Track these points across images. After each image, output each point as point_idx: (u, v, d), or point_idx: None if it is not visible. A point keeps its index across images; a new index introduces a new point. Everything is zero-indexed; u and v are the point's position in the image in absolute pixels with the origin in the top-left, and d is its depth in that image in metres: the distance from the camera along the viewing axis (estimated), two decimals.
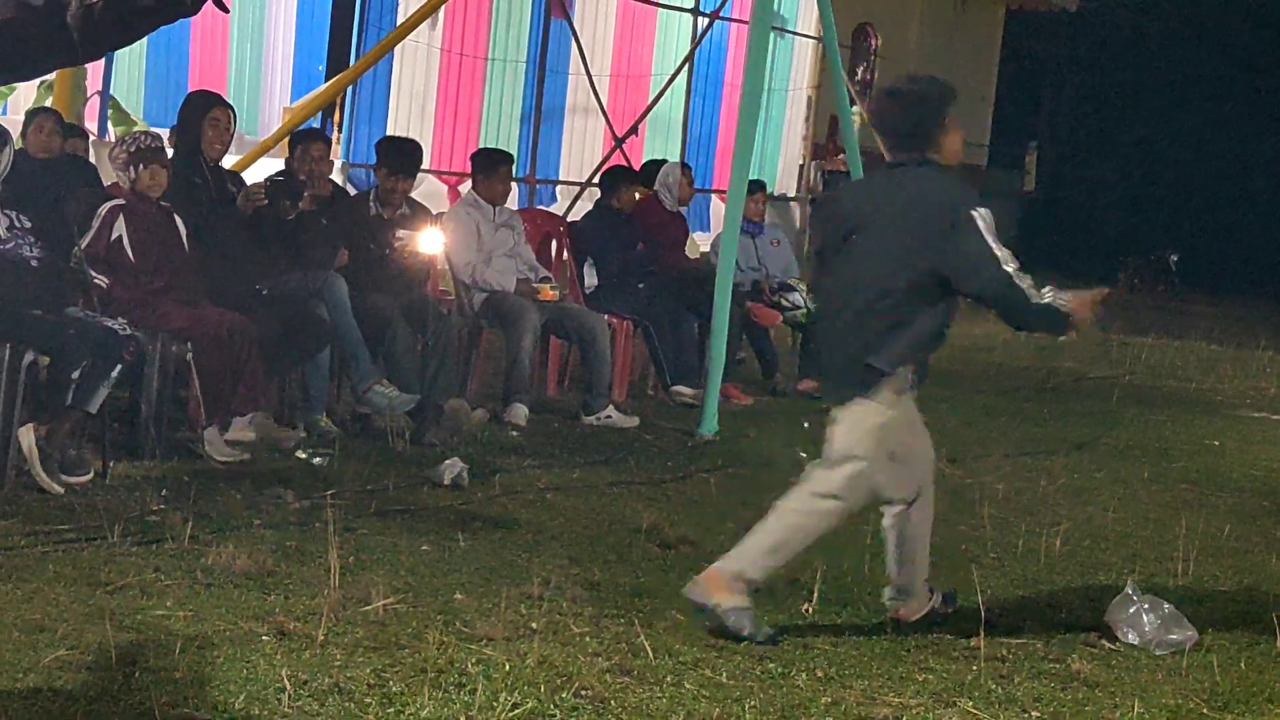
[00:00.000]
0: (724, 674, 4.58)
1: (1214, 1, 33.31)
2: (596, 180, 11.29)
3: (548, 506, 6.60)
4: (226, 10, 2.87)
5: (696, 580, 5.03)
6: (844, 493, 5.05)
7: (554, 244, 9.85)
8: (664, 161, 10.94)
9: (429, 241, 8.24)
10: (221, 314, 6.93)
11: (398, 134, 11.61)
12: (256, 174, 8.31)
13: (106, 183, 8.01)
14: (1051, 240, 28.52)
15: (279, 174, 7.85)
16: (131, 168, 6.82)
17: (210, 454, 6.75)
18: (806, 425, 9.00)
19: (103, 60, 13.98)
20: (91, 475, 6.21)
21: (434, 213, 8.65)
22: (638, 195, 10.25)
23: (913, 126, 5.11)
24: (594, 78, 14.61)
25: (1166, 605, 5.39)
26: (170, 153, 7.19)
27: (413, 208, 8.29)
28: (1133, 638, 5.28)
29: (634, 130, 14.74)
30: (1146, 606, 5.35)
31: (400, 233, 8.09)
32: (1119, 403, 11.51)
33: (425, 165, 10.17)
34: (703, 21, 16.08)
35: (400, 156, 8.24)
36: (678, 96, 16.32)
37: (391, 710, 4.05)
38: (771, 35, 13.35)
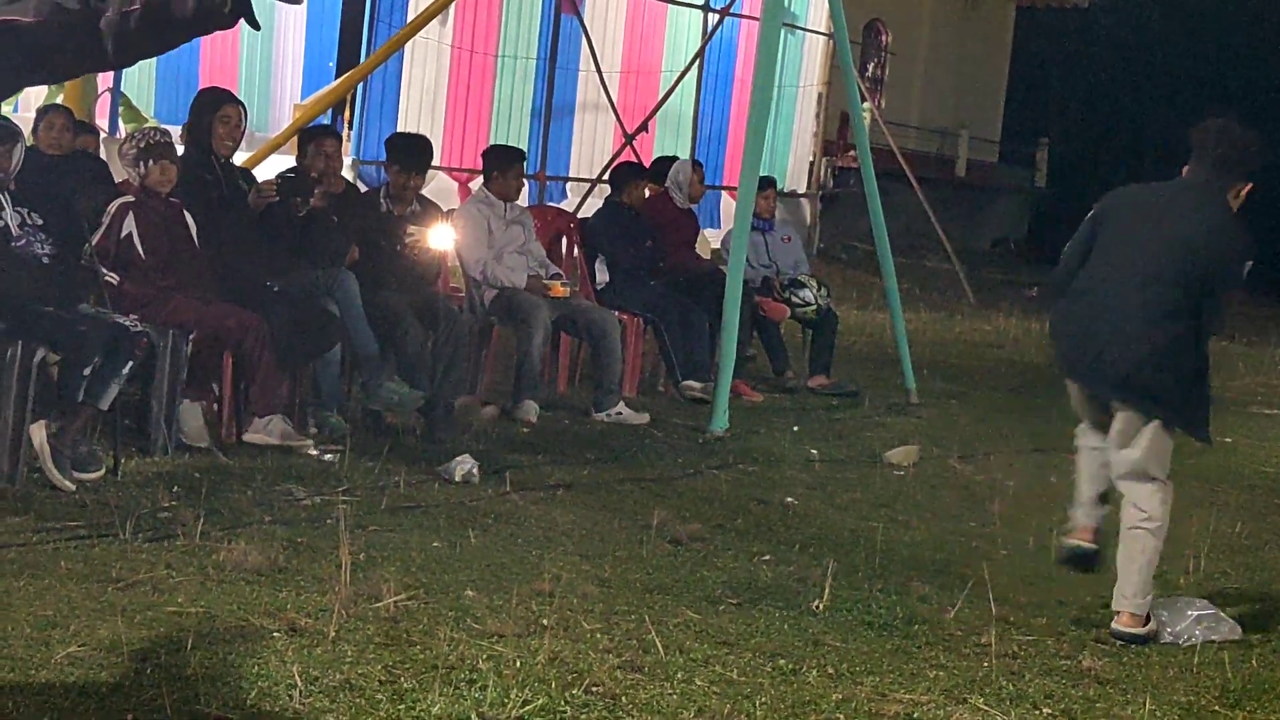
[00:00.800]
0: (735, 670, 4.58)
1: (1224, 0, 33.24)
2: (606, 177, 11.27)
3: (558, 503, 6.60)
4: (257, 27, 2.87)
5: (1117, 621, 5.35)
6: (1161, 516, 5.46)
7: (564, 241, 9.85)
8: (674, 158, 10.93)
9: (440, 238, 8.25)
10: (231, 310, 6.94)
11: (408, 130, 11.62)
12: (267, 171, 8.32)
13: (117, 180, 8.03)
14: (1063, 236, 28.51)
15: (290, 171, 7.86)
16: (141, 164, 6.83)
17: (180, 430, 6.76)
18: (796, 429, 9.02)
19: None
20: (103, 471, 6.22)
21: (444, 209, 8.66)
22: (648, 192, 10.26)
23: (1236, 163, 5.56)
24: (604, 74, 14.63)
25: (1199, 600, 5.44)
26: (181, 149, 7.20)
27: (423, 204, 8.30)
28: (1166, 636, 5.36)
29: (644, 127, 14.76)
30: (1179, 603, 5.42)
31: (411, 229, 8.09)
32: None
33: (436, 162, 10.17)
34: (713, 18, 16.08)
35: (412, 153, 8.24)
36: (688, 93, 16.32)
37: (402, 707, 4.05)
38: (782, 31, 13.35)
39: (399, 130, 12.47)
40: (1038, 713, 4.52)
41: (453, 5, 12.88)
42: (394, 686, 4.18)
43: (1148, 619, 5.35)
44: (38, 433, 6.04)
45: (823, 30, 18.46)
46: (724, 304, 8.76)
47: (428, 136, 8.85)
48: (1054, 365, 5.79)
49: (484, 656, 4.46)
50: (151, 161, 6.82)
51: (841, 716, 4.31)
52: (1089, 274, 5.57)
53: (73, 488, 5.98)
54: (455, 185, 13.82)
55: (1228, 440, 10.14)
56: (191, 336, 6.75)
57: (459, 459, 6.88)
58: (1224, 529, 7.19)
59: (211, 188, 7.27)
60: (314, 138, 8.00)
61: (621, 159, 12.56)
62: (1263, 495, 8.31)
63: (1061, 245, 5.89)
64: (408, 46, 12.64)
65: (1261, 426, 10.98)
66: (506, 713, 4.05)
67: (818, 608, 5.32)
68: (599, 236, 9.78)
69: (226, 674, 4.16)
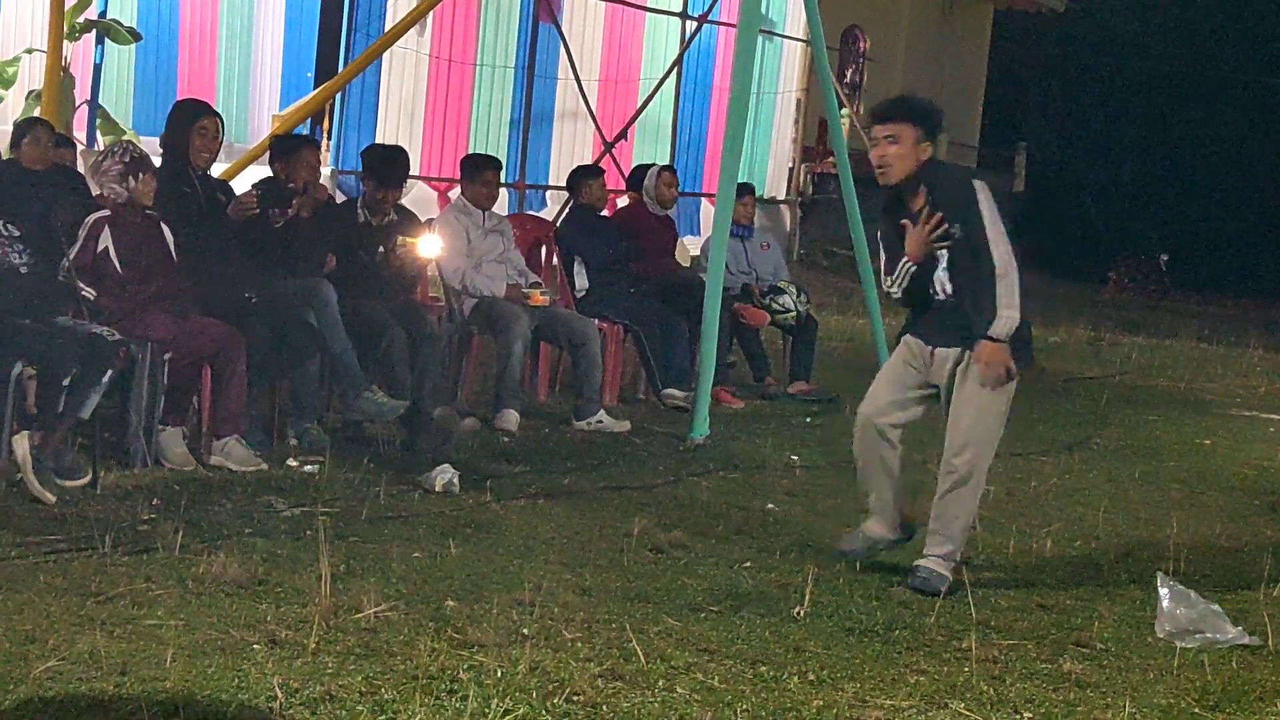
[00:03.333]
0: (716, 678, 4.58)
1: (1201, 5, 33.38)
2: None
3: (539, 512, 6.60)
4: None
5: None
6: None
7: (543, 249, 9.85)
8: (652, 165, 10.93)
9: (428, 246, 8.25)
10: (209, 324, 6.93)
11: (387, 141, 11.59)
12: (245, 182, 8.30)
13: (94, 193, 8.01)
14: (1042, 241, 28.62)
15: (262, 181, 7.84)
16: (130, 178, 6.80)
17: (161, 456, 6.75)
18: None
19: (91, 69, 13.99)
20: (89, 478, 6.23)
21: (423, 219, 8.65)
22: (627, 199, 10.23)
23: None
24: (583, 82, 14.63)
25: (1196, 596, 5.47)
26: (158, 162, 7.19)
27: (401, 214, 8.29)
28: (1158, 629, 5.40)
29: (623, 134, 14.76)
30: (1169, 598, 5.45)
31: (401, 239, 8.08)
32: (1109, 403, 11.53)
33: (414, 171, 10.15)
34: (691, 25, 16.09)
35: (387, 167, 8.21)
36: (667, 100, 16.34)
37: (383, 718, 4.05)
38: (760, 38, 13.39)
39: (377, 140, 12.47)
40: (1018, 717, 4.53)
41: (431, 14, 12.88)
42: (375, 698, 4.17)
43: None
44: (20, 444, 6.03)
45: (800, 36, 18.49)
46: (703, 311, 8.76)
47: (404, 147, 8.82)
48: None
49: (465, 666, 4.46)
50: (143, 174, 6.82)
51: None
52: None
53: (54, 500, 5.97)
54: (434, 194, 13.81)
55: (1207, 442, 10.18)
56: (167, 356, 6.74)
57: (439, 469, 6.88)
58: (1203, 531, 7.22)
59: (189, 200, 7.26)
60: (293, 149, 7.98)
61: (605, 168, 12.53)
62: (1242, 497, 8.33)
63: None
64: (386, 56, 12.63)
65: (1240, 428, 11.01)
66: None
67: (799, 614, 5.32)
68: (570, 240, 9.79)
69: (206, 687, 4.16)
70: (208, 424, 7.02)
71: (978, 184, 5.68)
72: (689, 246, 14.95)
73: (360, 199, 8.31)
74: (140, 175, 6.81)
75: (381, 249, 8.10)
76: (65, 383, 6.13)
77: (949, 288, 5.77)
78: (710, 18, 15.75)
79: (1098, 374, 13.43)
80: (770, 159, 19.32)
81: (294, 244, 7.57)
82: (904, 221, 5.76)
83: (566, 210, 10.36)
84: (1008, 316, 5.61)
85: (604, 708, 4.25)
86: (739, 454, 8.33)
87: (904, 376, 5.94)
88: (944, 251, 5.73)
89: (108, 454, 6.60)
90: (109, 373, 6.25)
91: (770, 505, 7.11)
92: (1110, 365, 14.14)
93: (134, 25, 13.98)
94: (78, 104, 13.64)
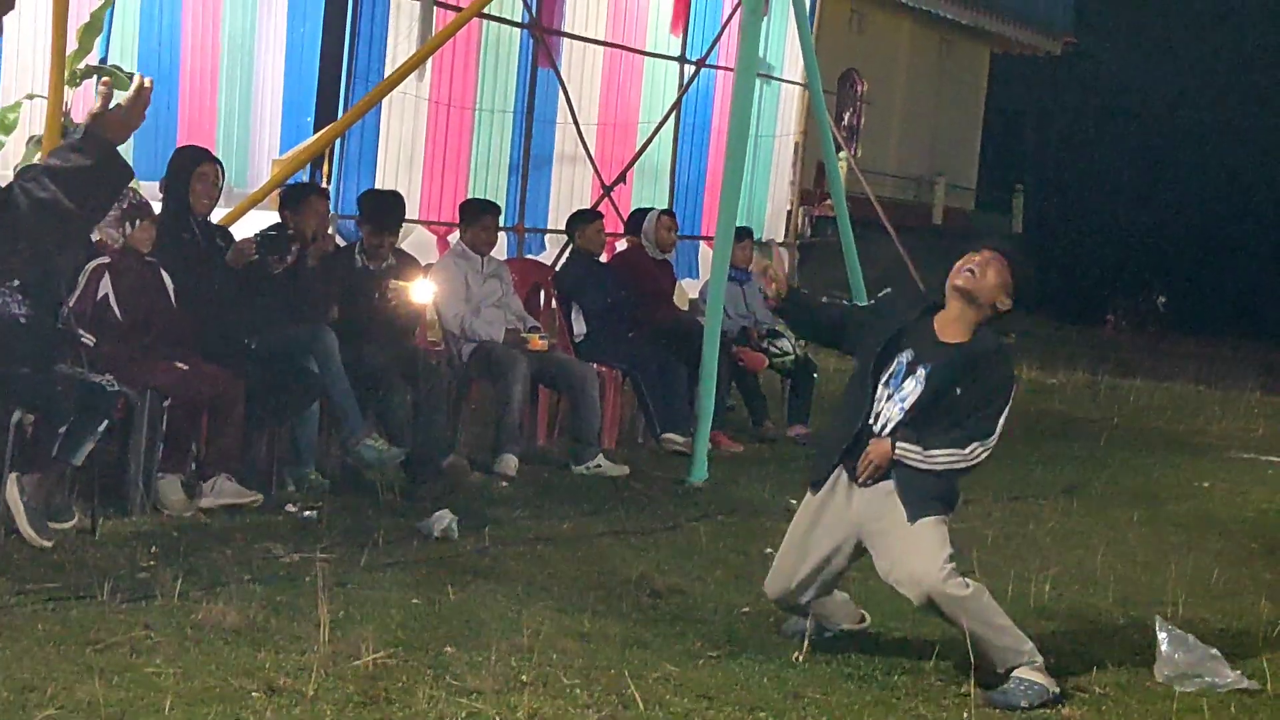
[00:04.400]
0: None
1: (1197, 46, 33.52)
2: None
3: (538, 557, 6.60)
4: None
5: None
6: None
7: (542, 293, 9.88)
8: (650, 210, 10.98)
9: (421, 291, 8.27)
10: (208, 371, 6.94)
11: (386, 185, 11.62)
12: (246, 227, 8.32)
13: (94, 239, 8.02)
14: (1039, 283, 28.69)
15: (271, 228, 7.87)
16: (127, 224, 6.83)
17: (160, 503, 6.76)
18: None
19: None
20: (76, 520, 6.25)
21: (422, 263, 8.67)
22: (626, 242, 10.25)
23: None
24: (581, 126, 14.67)
25: (1194, 641, 5.47)
26: (158, 208, 7.21)
27: (400, 259, 8.31)
28: (1157, 673, 5.41)
29: (622, 178, 14.80)
30: (1167, 642, 5.45)
31: (393, 283, 8.11)
32: (1108, 445, 11.53)
33: (414, 216, 10.16)
34: (689, 69, 16.15)
35: (383, 212, 8.26)
36: (665, 144, 16.37)
37: None
38: (758, 82, 13.43)
39: (377, 185, 12.49)
40: None
41: (430, 60, 12.92)
42: None
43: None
44: (11, 489, 6.03)
45: (798, 80, 18.54)
46: (702, 355, 8.78)
47: (400, 192, 8.87)
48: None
49: (463, 714, 4.46)
50: (139, 221, 6.84)
51: None
52: None
53: (48, 544, 5.97)
54: (433, 239, 13.82)
55: (1205, 485, 10.18)
56: (166, 404, 6.75)
57: (438, 514, 6.88)
58: (1202, 575, 7.21)
59: (189, 246, 7.28)
60: (303, 197, 8.01)
61: (604, 212, 12.57)
62: (1240, 540, 8.33)
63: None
64: (385, 101, 12.65)
65: (1239, 471, 11.01)
66: None
67: (797, 660, 5.32)
68: (569, 286, 9.82)
69: None
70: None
71: (1015, 375, 5.40)
72: (687, 290, 14.95)
73: (358, 245, 8.33)
74: (138, 221, 6.84)
75: (377, 294, 8.12)
76: (61, 431, 6.14)
77: (890, 428, 5.31)
78: (708, 62, 15.81)
79: (1095, 417, 13.43)
80: (768, 202, 19.33)
81: (300, 292, 7.59)
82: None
83: (565, 255, 10.39)
84: (924, 457, 5.24)
85: None
86: (738, 498, 8.33)
87: (815, 534, 5.48)
88: (909, 405, 5.30)
89: (106, 501, 6.61)
90: (104, 422, 6.26)
91: (769, 550, 7.07)
92: (1108, 408, 14.14)
93: (135, 71, 14.03)
94: None
